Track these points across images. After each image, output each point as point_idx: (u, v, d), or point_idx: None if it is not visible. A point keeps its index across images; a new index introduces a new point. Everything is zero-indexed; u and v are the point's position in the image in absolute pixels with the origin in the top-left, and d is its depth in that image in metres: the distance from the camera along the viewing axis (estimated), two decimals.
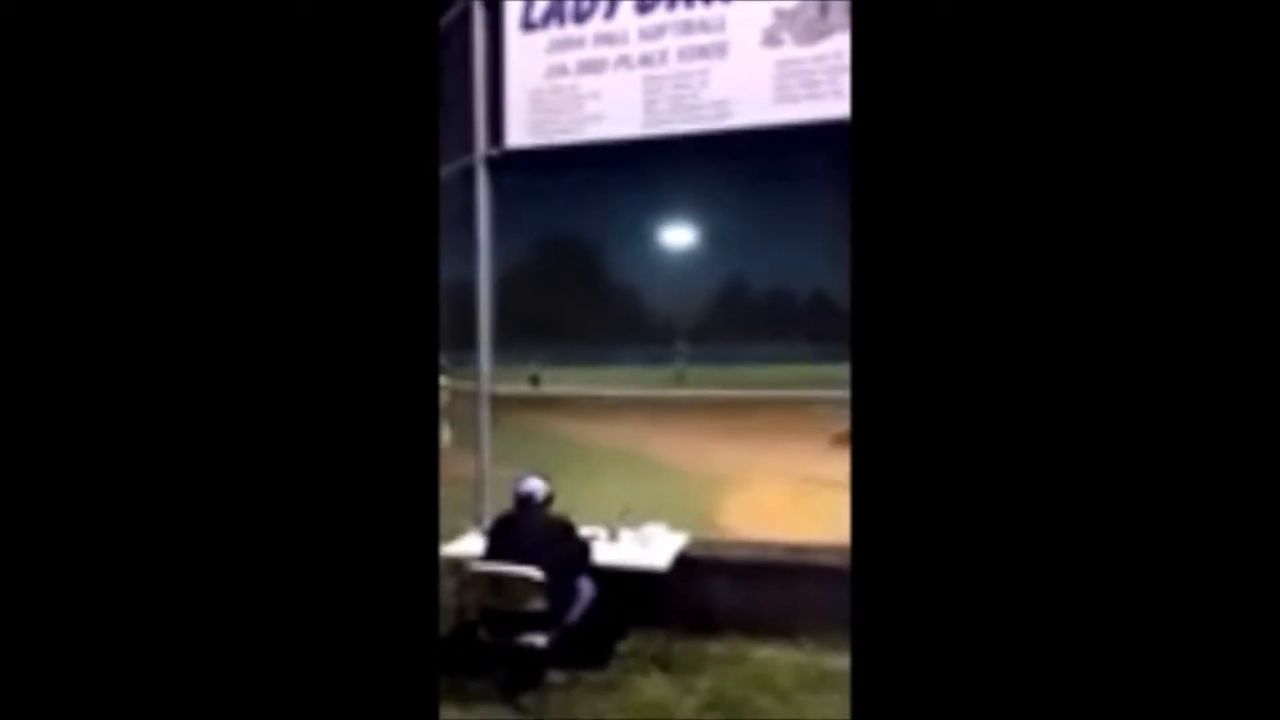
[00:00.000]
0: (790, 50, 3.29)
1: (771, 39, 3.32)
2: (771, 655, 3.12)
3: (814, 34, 3.25)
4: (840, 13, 3.21)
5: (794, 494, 7.66)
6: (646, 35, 3.51)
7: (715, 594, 3.44)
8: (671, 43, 3.47)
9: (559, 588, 2.89)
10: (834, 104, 3.24)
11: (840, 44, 3.21)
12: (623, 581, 3.16)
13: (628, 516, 3.51)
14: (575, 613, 3.00)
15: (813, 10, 3.25)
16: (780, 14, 3.29)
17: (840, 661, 3.06)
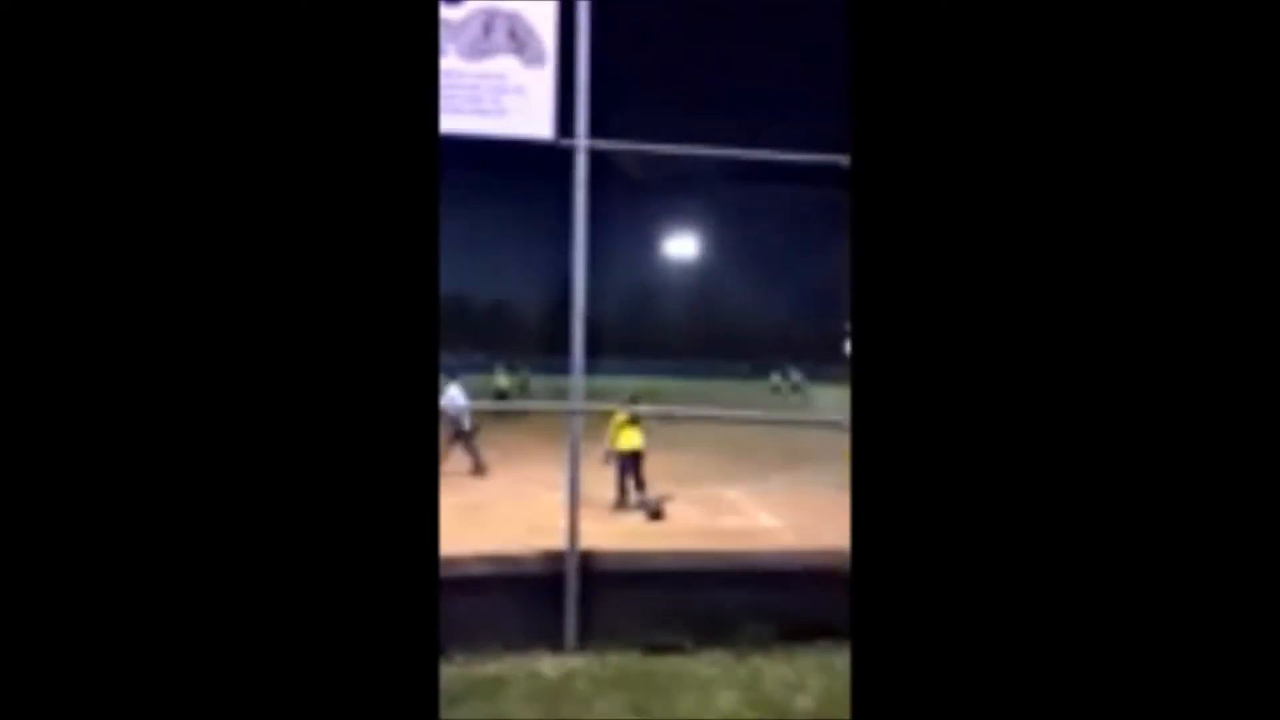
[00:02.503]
0: (454, 62, 3.29)
1: None
2: None
3: (476, 52, 3.30)
4: (503, 36, 3.31)
5: (462, 506, 7.61)
6: None
7: None
8: None
9: None
10: (499, 123, 3.32)
11: (503, 66, 3.30)
12: None
13: None
14: None
15: (476, 28, 3.29)
16: (446, 25, 3.28)
17: (490, 668, 3.10)
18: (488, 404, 13.21)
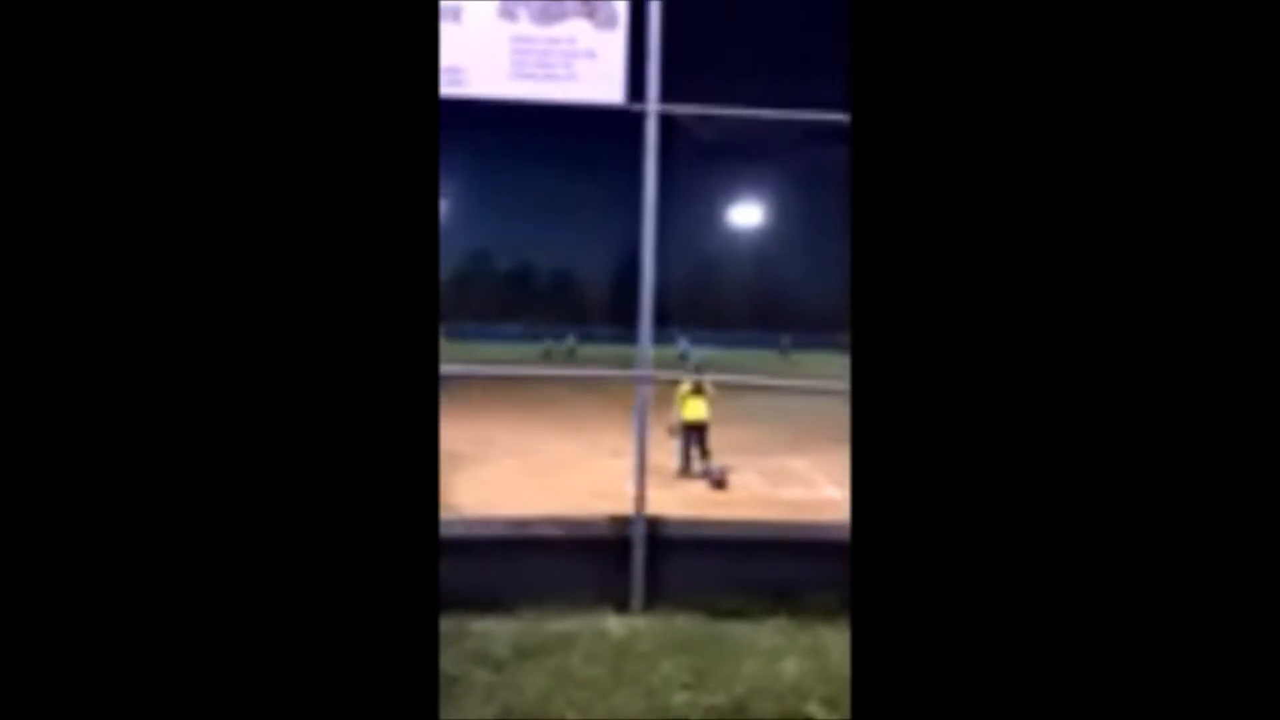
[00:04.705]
0: (526, 27, 3.29)
1: (507, 13, 3.29)
2: (491, 628, 3.16)
3: (548, 16, 3.29)
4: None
5: (528, 470, 7.79)
6: None
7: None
8: None
9: None
10: (569, 88, 3.31)
11: (574, 30, 3.28)
12: None
13: None
14: None
15: None
16: None
17: (559, 625, 3.19)
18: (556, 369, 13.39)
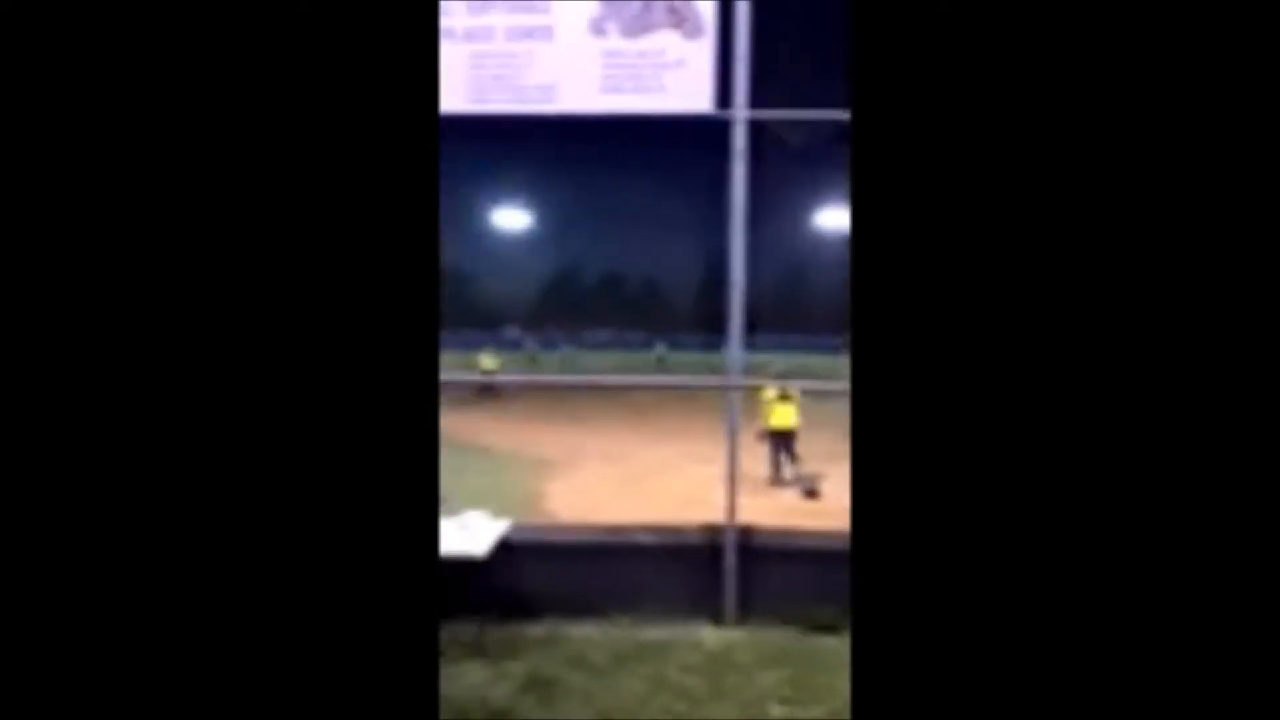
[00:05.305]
0: (616, 41, 3.35)
1: (597, 28, 3.36)
2: (588, 634, 3.20)
3: (637, 28, 3.33)
4: (663, 12, 3.31)
5: (620, 478, 7.87)
6: (473, 10, 3.41)
7: (535, 578, 3.47)
8: (498, 20, 3.41)
9: None
10: (659, 99, 3.34)
11: (663, 42, 3.31)
12: (440, 570, 3.09)
13: (447, 503, 3.44)
14: None
15: (636, 6, 3.32)
16: (606, 4, 3.34)
17: (654, 634, 3.21)
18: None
